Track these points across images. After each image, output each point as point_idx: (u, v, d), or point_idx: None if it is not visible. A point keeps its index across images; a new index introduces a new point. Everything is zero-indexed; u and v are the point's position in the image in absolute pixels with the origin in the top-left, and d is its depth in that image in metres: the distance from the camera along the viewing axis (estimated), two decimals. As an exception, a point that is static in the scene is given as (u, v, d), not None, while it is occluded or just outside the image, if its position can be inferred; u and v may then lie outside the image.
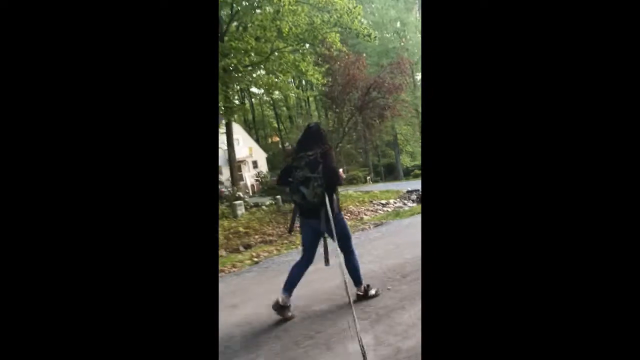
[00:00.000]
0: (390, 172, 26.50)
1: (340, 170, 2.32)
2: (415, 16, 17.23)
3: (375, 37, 9.19)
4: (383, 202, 9.96)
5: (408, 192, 10.69)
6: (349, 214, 7.62)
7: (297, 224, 2.46)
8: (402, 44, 16.54)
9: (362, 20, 9.03)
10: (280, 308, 2.28)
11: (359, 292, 2.45)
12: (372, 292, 2.48)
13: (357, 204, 9.06)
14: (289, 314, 2.31)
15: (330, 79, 11.02)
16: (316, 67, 9.52)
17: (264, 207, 8.68)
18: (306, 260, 2.38)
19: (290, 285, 2.32)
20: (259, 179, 14.84)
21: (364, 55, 16.92)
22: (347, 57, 10.93)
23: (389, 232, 4.95)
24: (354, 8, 8.32)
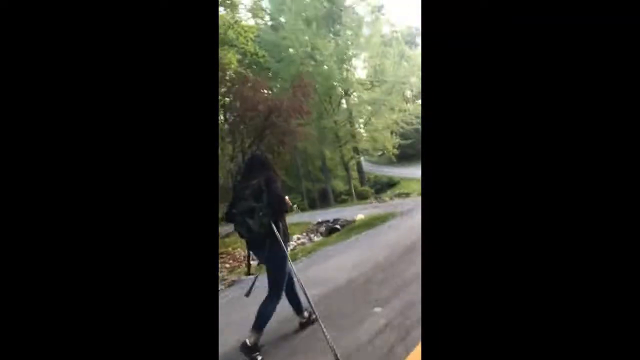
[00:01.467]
0: (323, 199, 25.82)
1: (287, 197, 2.21)
2: (332, 44, 17.05)
3: (264, 55, 8.34)
4: (287, 238, 8.83)
5: (318, 223, 9.72)
6: (232, 260, 6.30)
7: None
8: (312, 69, 16.05)
9: (249, 37, 8.14)
10: (248, 349, 2.09)
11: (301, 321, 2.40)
12: (313, 316, 2.37)
13: (253, 244, 7.75)
14: (259, 357, 2.11)
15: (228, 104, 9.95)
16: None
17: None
18: (274, 295, 2.22)
19: (260, 324, 2.14)
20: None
21: (280, 78, 16.29)
22: (244, 79, 10.01)
23: (234, 299, 3.67)
24: (234, 23, 7.41)
